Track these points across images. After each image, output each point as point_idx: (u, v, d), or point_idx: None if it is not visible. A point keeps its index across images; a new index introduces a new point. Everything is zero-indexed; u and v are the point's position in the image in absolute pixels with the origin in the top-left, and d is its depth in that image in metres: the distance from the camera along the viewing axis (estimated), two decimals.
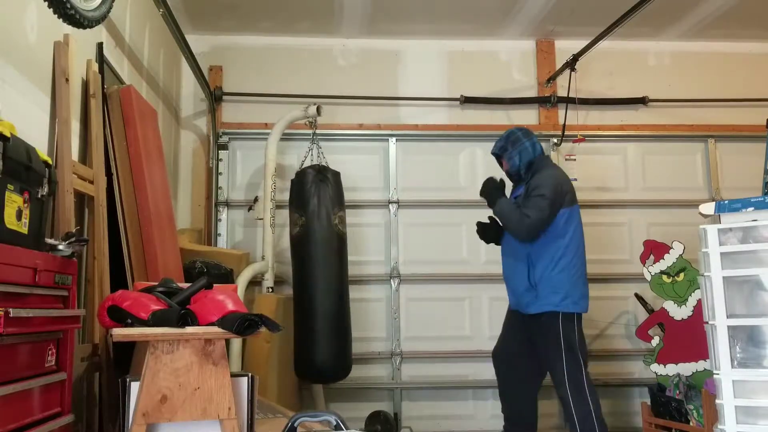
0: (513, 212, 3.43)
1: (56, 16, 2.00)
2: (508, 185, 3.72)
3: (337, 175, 4.28)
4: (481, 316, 4.95)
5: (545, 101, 5.21)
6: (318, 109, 4.40)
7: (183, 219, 4.92)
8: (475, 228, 3.77)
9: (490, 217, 3.71)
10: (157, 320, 2.11)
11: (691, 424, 3.69)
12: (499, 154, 3.66)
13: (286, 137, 4.72)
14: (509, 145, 3.57)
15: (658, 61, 5.39)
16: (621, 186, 5.20)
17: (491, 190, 3.62)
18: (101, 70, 3.20)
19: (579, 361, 3.33)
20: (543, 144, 5.07)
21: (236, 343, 3.97)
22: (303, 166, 4.31)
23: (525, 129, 3.68)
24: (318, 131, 4.49)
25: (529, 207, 3.36)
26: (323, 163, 4.31)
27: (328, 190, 4.15)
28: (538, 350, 3.46)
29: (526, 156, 3.51)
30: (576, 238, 3.43)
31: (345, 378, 4.21)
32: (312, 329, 3.98)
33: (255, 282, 4.37)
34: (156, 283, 2.41)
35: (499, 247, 3.72)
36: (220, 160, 5.00)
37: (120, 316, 2.17)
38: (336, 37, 5.19)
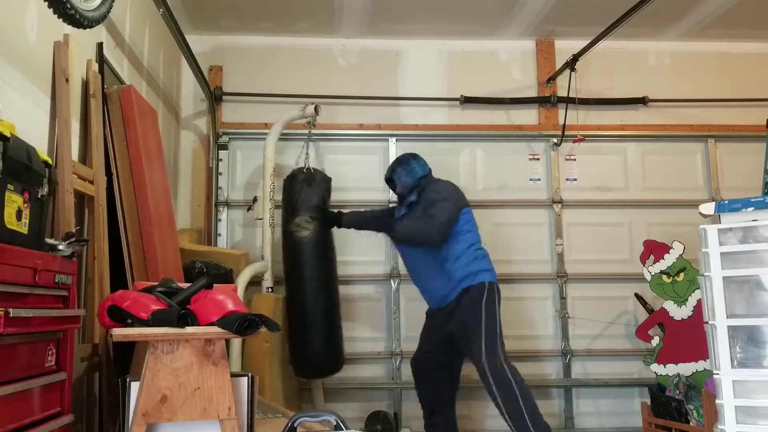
0: (417, 222, 3.70)
1: (56, 16, 2.00)
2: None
3: (327, 179, 4.32)
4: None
5: (545, 101, 5.21)
6: (316, 109, 4.40)
7: (183, 219, 4.92)
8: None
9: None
10: (157, 320, 2.11)
11: (691, 424, 3.69)
12: (390, 177, 3.95)
13: (284, 137, 4.72)
14: (398, 167, 3.92)
15: (658, 61, 5.39)
16: (621, 186, 5.20)
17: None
18: (101, 70, 3.20)
19: (497, 328, 3.53)
20: (542, 144, 5.19)
21: (236, 343, 3.96)
22: (297, 166, 4.34)
23: (413, 153, 4.01)
24: (318, 131, 4.49)
25: (435, 210, 3.62)
26: (319, 164, 4.33)
27: (315, 192, 4.19)
28: (459, 331, 3.60)
29: (414, 175, 3.84)
30: (475, 230, 3.78)
31: (338, 371, 4.31)
32: (302, 326, 4.12)
33: (255, 282, 4.37)
34: (156, 283, 2.41)
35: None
36: (220, 160, 5.00)
37: (120, 316, 2.17)
38: (336, 37, 5.19)
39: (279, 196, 4.55)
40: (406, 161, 3.92)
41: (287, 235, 4.21)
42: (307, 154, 4.37)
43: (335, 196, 4.56)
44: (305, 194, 4.15)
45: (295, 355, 4.17)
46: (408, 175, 3.86)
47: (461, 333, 3.59)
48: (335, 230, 4.28)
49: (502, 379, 3.38)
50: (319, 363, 4.16)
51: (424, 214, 3.66)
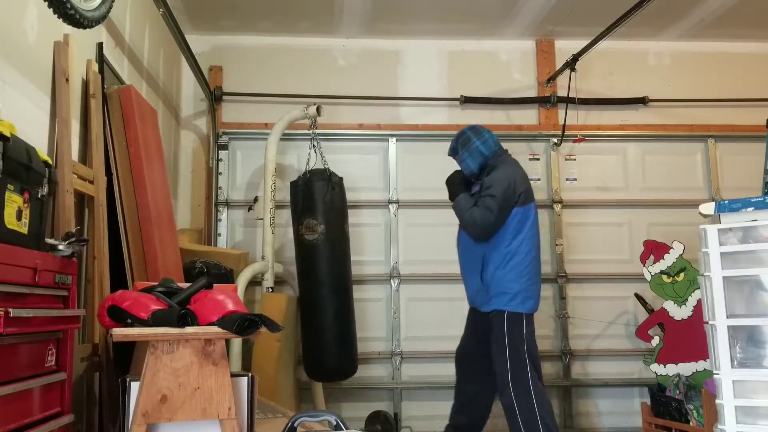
0: (466, 210, 3.46)
1: (56, 16, 2.00)
2: None
3: (341, 181, 4.33)
4: None
5: (545, 101, 5.21)
6: (318, 109, 4.40)
7: (183, 219, 4.92)
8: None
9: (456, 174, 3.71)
10: (157, 320, 2.11)
11: (691, 424, 3.68)
12: (453, 157, 3.65)
13: (285, 137, 4.72)
14: (460, 147, 3.57)
15: (658, 61, 5.39)
16: (621, 186, 5.20)
17: (454, 184, 3.66)
18: (101, 70, 3.20)
19: (524, 361, 3.32)
20: (542, 144, 5.18)
21: (236, 343, 3.97)
22: (307, 168, 4.30)
23: (476, 127, 3.63)
24: (318, 131, 4.49)
25: (479, 207, 3.39)
26: (325, 166, 4.31)
27: (337, 196, 4.20)
28: (491, 345, 3.46)
29: (477, 156, 3.51)
30: (529, 238, 3.43)
31: (352, 375, 4.30)
32: (321, 330, 4.09)
33: (255, 282, 4.37)
34: (156, 283, 2.41)
35: None
36: (220, 160, 5.00)
37: (120, 316, 2.17)
38: (336, 37, 5.19)
39: (280, 197, 4.56)
40: (468, 141, 3.52)
41: (296, 240, 4.22)
42: (317, 154, 4.34)
43: None
44: (329, 195, 4.12)
45: (309, 357, 4.16)
46: (471, 158, 3.52)
47: (491, 354, 3.44)
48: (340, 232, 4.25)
49: (528, 404, 3.26)
50: (334, 366, 4.13)
51: (474, 205, 3.41)
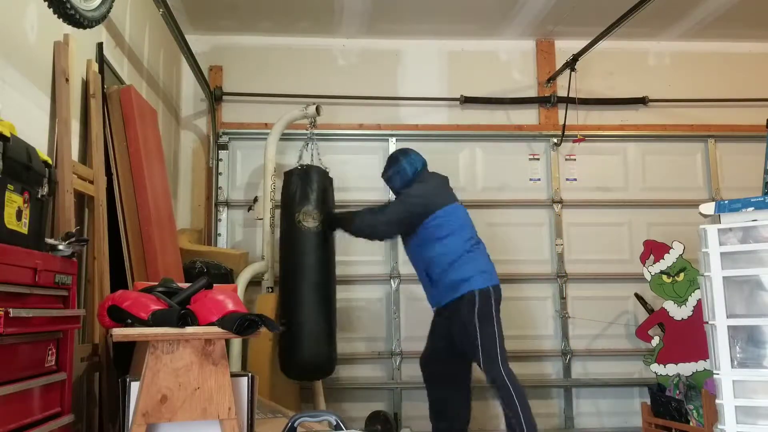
0: (367, 215, 3.76)
1: (56, 16, 2.00)
2: None
3: (323, 172, 4.18)
4: None
5: (545, 101, 5.21)
6: (317, 109, 4.40)
7: (183, 219, 4.92)
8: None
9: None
10: (157, 320, 2.11)
11: (691, 424, 3.69)
12: (384, 177, 3.95)
13: (285, 137, 4.72)
14: (389, 168, 3.89)
15: (658, 61, 5.39)
16: (621, 186, 5.20)
17: (335, 219, 3.94)
18: (101, 70, 3.20)
19: (502, 334, 3.48)
20: (542, 144, 5.17)
21: (236, 343, 3.96)
22: (300, 162, 4.27)
23: (405, 149, 3.96)
24: (318, 131, 4.48)
25: (390, 206, 3.75)
26: (318, 162, 4.29)
27: (330, 192, 4.14)
28: (457, 337, 3.56)
29: (404, 176, 3.80)
30: (464, 231, 3.64)
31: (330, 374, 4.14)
32: (293, 324, 3.89)
33: (255, 282, 4.37)
34: (156, 283, 2.41)
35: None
36: (220, 160, 5.00)
37: (120, 316, 2.17)
38: (336, 37, 5.19)
39: (280, 197, 4.55)
40: (395, 161, 3.86)
41: (289, 229, 4.05)
42: (311, 153, 4.33)
43: (336, 196, 4.56)
44: (307, 187, 4.07)
45: (283, 354, 3.93)
46: (398, 176, 3.83)
47: (460, 340, 3.56)
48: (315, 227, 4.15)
49: (502, 385, 3.38)
50: (308, 364, 3.90)
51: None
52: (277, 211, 4.50)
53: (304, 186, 4.04)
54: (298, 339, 3.90)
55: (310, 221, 3.99)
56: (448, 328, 3.65)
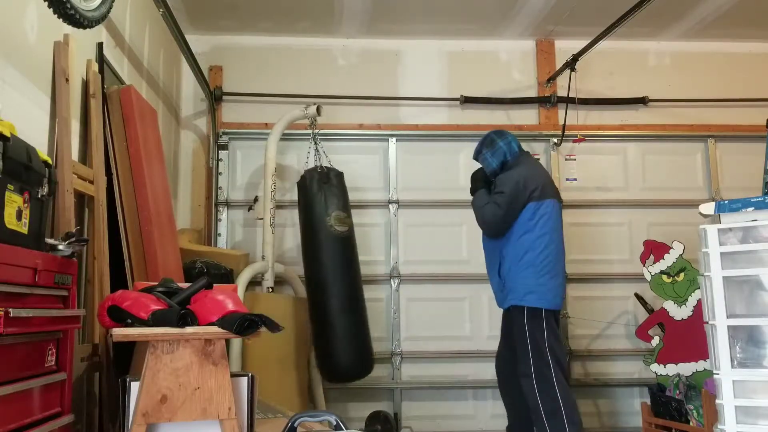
0: (479, 207, 3.57)
1: (56, 16, 2.00)
2: None
3: (340, 174, 4.30)
4: (481, 316, 4.95)
5: (545, 101, 5.21)
6: (318, 109, 4.40)
7: (183, 219, 4.92)
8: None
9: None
10: (157, 320, 2.11)
11: (691, 424, 3.69)
12: (476, 159, 3.73)
13: (286, 137, 4.72)
14: (483, 148, 3.66)
15: (658, 61, 5.39)
16: (621, 186, 5.20)
17: (477, 180, 3.72)
18: (101, 70, 3.20)
19: (546, 359, 3.32)
20: (542, 144, 5.17)
21: (236, 343, 3.97)
22: (306, 167, 4.31)
23: (500, 131, 3.75)
24: (318, 131, 4.49)
25: (490, 204, 3.49)
26: (327, 164, 4.32)
27: (347, 194, 4.19)
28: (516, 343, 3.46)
29: (499, 157, 3.60)
30: (546, 233, 3.46)
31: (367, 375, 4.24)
32: (331, 331, 4.00)
33: (255, 282, 4.37)
34: (156, 283, 2.41)
35: None
36: (220, 160, 5.00)
37: (120, 316, 2.17)
38: (336, 37, 5.19)
39: (280, 197, 4.56)
40: (491, 141, 3.62)
41: (318, 233, 4.08)
42: (317, 154, 4.34)
43: None
44: (334, 190, 4.08)
45: (323, 359, 4.08)
46: (494, 157, 3.59)
47: (516, 347, 3.45)
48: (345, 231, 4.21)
49: (553, 401, 3.26)
50: (349, 367, 4.05)
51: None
52: (278, 211, 4.52)
53: (331, 189, 4.07)
54: (335, 343, 3.95)
55: (341, 225, 4.02)
56: (509, 329, 3.55)
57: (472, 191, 3.71)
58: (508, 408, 3.71)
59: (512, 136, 3.70)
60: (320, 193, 4.10)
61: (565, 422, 3.24)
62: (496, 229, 3.50)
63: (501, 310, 3.71)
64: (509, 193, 3.43)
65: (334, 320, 4.00)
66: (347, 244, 4.11)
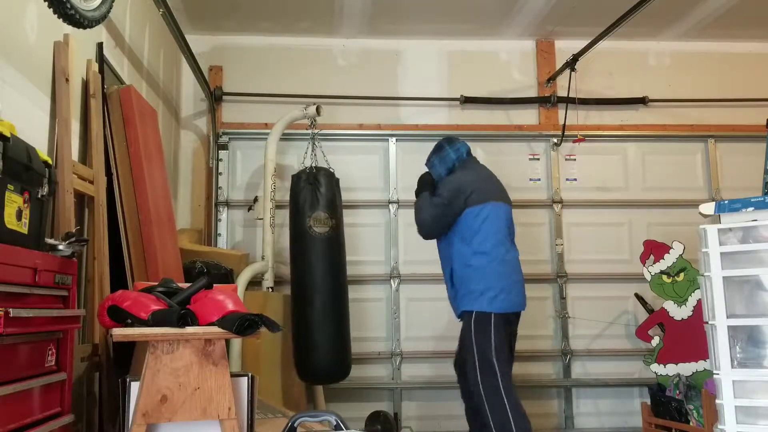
0: (416, 208, 3.58)
1: (56, 16, 2.00)
2: None
3: (331, 174, 4.24)
4: None
5: (545, 101, 5.21)
6: (317, 109, 4.40)
7: (183, 219, 4.92)
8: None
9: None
10: (157, 320, 2.11)
11: (691, 424, 3.69)
12: (426, 165, 3.74)
13: (285, 137, 4.72)
14: (433, 155, 3.69)
15: (658, 61, 5.39)
16: (621, 186, 5.20)
17: (422, 182, 3.73)
18: (101, 70, 3.20)
19: (494, 368, 3.24)
20: (542, 144, 5.17)
21: (236, 343, 3.96)
22: (304, 164, 4.29)
23: (451, 137, 3.76)
24: (318, 131, 4.49)
25: (427, 205, 3.51)
26: (323, 164, 4.30)
27: (338, 194, 4.16)
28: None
29: (447, 163, 3.61)
30: (491, 235, 3.41)
31: (344, 379, 4.20)
32: (311, 331, 3.97)
33: (255, 282, 4.37)
34: (156, 283, 2.41)
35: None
36: (220, 160, 5.00)
37: (120, 316, 2.17)
38: (336, 37, 5.19)
39: (280, 197, 4.56)
40: (440, 147, 3.65)
41: (300, 234, 4.08)
42: (313, 154, 4.34)
43: None
44: (317, 192, 4.07)
45: (299, 359, 4.04)
46: (441, 163, 3.62)
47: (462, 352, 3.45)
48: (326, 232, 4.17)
49: (499, 404, 3.20)
50: (324, 369, 4.01)
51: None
52: (278, 211, 4.52)
53: (314, 190, 4.05)
54: (312, 345, 3.93)
55: (320, 227, 4.01)
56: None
57: (417, 193, 3.72)
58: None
59: (462, 143, 3.69)
60: (302, 194, 4.10)
61: (513, 430, 3.15)
62: (428, 229, 3.51)
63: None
64: (446, 196, 3.45)
65: (312, 321, 3.96)
66: (328, 245, 4.06)
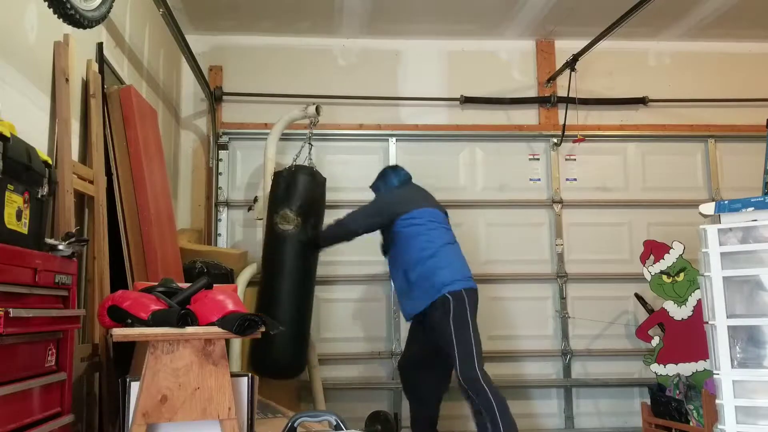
0: (331, 224, 3.89)
1: (56, 16, 2.00)
2: None
3: (325, 181, 4.22)
4: (480, 316, 4.93)
5: (545, 101, 5.21)
6: (317, 109, 4.39)
7: (183, 219, 4.92)
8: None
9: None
10: (157, 320, 2.11)
11: (691, 424, 3.69)
12: (372, 188, 4.01)
13: (285, 137, 4.72)
14: (378, 180, 3.98)
15: (658, 61, 5.39)
16: (621, 186, 5.20)
17: (312, 241, 3.99)
18: (101, 70, 3.20)
19: (478, 336, 3.45)
20: (542, 144, 5.18)
21: (236, 343, 3.96)
22: (294, 162, 4.26)
23: (395, 166, 4.12)
24: (318, 131, 4.48)
25: (355, 213, 3.82)
26: (317, 164, 4.29)
27: (318, 194, 4.13)
28: (437, 339, 3.52)
29: (388, 185, 3.90)
30: (432, 230, 3.64)
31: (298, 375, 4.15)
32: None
33: (255, 282, 4.37)
34: (156, 283, 2.41)
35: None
36: (220, 160, 5.00)
37: (120, 316, 2.17)
38: (336, 37, 5.19)
39: None
40: (384, 174, 3.96)
41: (268, 230, 4.10)
42: (309, 153, 4.32)
43: (335, 196, 4.57)
44: (290, 190, 4.04)
45: (255, 351, 3.96)
46: (386, 187, 3.91)
47: (440, 343, 3.53)
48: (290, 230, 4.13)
49: (479, 389, 3.35)
50: (281, 364, 3.96)
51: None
52: None
53: (288, 188, 4.05)
54: (267, 338, 3.88)
55: (285, 224, 4.00)
56: (426, 332, 3.64)
57: (318, 241, 3.99)
58: (419, 401, 3.83)
59: (404, 171, 3.95)
60: (277, 192, 4.09)
61: (501, 395, 3.33)
62: (346, 228, 3.78)
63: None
64: (372, 206, 3.81)
65: (271, 314, 3.85)
66: (291, 243, 4.01)
